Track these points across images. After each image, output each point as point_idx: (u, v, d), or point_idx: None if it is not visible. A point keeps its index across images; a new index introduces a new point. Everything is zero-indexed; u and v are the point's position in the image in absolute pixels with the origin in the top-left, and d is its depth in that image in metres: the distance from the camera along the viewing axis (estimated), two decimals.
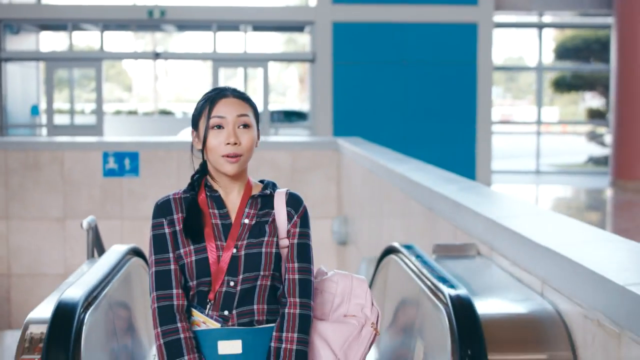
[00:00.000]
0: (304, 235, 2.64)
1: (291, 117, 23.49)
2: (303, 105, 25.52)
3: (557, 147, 24.62)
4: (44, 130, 16.54)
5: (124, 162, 10.30)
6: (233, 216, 2.60)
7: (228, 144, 2.53)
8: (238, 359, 2.52)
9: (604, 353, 2.31)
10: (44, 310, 2.68)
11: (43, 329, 2.56)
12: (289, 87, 40.79)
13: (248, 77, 16.58)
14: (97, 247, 4.08)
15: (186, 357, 2.46)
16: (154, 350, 2.59)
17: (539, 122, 17.68)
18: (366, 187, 7.73)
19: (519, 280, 3.05)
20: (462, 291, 2.71)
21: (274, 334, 2.54)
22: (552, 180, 16.69)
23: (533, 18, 17.61)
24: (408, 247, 3.54)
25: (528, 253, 2.96)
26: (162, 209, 2.60)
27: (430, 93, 14.69)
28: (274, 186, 2.69)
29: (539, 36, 17.01)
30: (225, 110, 2.56)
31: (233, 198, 2.63)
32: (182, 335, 2.48)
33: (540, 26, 17.42)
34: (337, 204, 10.03)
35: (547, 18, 18.71)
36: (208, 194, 2.62)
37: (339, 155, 10.02)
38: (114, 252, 3.52)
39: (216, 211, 2.60)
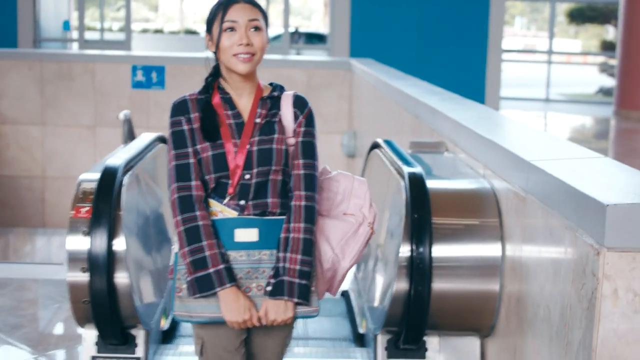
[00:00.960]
0: (309, 133, 2.80)
1: (313, 39, 24.11)
2: (326, 29, 25.99)
3: (573, 78, 25.05)
4: (75, 45, 16.96)
5: (151, 75, 10.87)
6: (245, 116, 2.76)
7: (241, 44, 2.70)
8: (253, 247, 2.71)
9: (515, 214, 3.05)
10: (92, 174, 3.44)
11: (93, 185, 3.33)
12: (314, 12, 41.08)
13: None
14: (129, 135, 4.84)
15: (205, 242, 2.63)
16: (176, 238, 2.69)
17: (550, 52, 18.18)
18: (371, 102, 8.44)
19: (470, 167, 3.78)
20: (417, 169, 3.44)
21: (284, 225, 2.71)
22: (558, 109, 17.21)
23: None
24: (387, 142, 4.26)
25: (476, 145, 3.68)
26: (180, 108, 2.76)
27: (445, 20, 15.06)
28: (281, 89, 2.85)
29: None
30: (237, 14, 2.72)
31: (244, 99, 2.79)
32: (200, 223, 2.65)
33: None
34: (348, 120, 10.66)
35: None
36: (221, 96, 2.78)
37: (351, 75, 10.61)
38: (144, 137, 4.30)
39: (229, 112, 2.76)
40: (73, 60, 11.18)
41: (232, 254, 2.69)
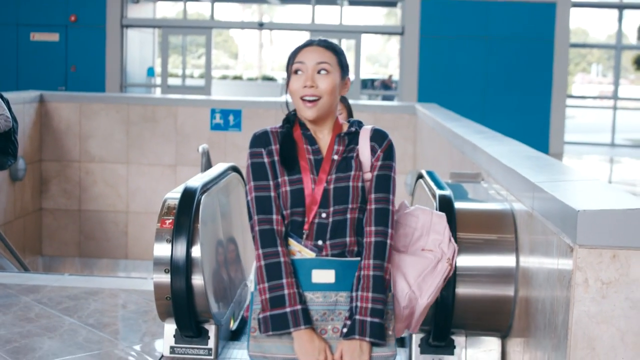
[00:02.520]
0: (386, 167, 2.72)
1: (387, 86, 24.81)
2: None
3: None
4: (158, 90, 17.94)
5: (228, 118, 11.57)
6: (324, 152, 2.72)
7: (305, 86, 2.64)
8: (329, 288, 2.64)
9: (526, 229, 3.60)
10: (175, 194, 4.11)
11: (175, 202, 4.00)
12: (390, 59, 41.79)
13: (343, 47, 17.79)
14: (207, 166, 5.56)
15: (285, 280, 2.58)
16: (252, 273, 2.76)
17: (615, 98, 18.46)
18: (431, 142, 9.02)
19: (498, 193, 4.35)
20: (447, 192, 4.01)
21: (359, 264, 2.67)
22: (623, 153, 17.48)
23: None
24: (428, 173, 4.85)
25: (502, 173, 4.26)
26: (261, 140, 2.71)
27: (509, 67, 15.47)
28: (359, 124, 2.79)
29: (618, 17, 17.78)
30: (305, 57, 2.67)
31: (324, 136, 2.74)
32: (282, 260, 2.60)
33: (621, 7, 18.09)
34: (412, 161, 11.21)
35: None
36: (302, 131, 2.73)
37: (415, 119, 11.21)
38: (219, 166, 4.99)
39: (309, 147, 2.71)
40: (157, 104, 11.95)
41: (309, 295, 2.64)
